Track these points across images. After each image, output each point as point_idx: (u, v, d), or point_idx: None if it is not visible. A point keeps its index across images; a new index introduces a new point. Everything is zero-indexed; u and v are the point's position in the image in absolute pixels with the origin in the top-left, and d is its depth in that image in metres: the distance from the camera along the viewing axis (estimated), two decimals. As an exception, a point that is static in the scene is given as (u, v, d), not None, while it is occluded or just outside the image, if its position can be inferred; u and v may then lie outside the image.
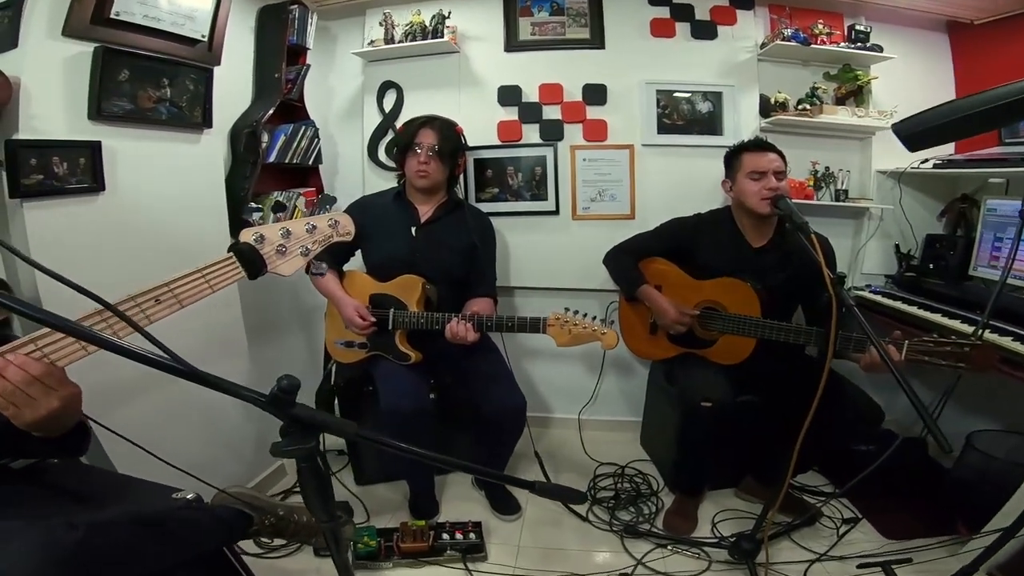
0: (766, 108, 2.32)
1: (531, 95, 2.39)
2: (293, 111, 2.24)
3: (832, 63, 2.33)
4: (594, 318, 1.72)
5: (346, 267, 2.01)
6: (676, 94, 2.35)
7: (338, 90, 2.56)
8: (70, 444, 0.93)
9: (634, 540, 1.82)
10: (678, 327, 1.87)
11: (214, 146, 1.87)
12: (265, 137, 2.01)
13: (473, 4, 2.37)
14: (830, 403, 1.41)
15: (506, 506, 1.98)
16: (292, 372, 0.66)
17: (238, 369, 1.97)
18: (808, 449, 1.41)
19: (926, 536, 1.71)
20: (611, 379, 2.56)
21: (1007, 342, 1.55)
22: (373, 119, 2.49)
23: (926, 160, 2.16)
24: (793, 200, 1.78)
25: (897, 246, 2.34)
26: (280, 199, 2.09)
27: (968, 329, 1.68)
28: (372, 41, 2.37)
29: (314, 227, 1.11)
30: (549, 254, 2.47)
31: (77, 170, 1.41)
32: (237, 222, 1.91)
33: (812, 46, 2.22)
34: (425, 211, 1.97)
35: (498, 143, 2.42)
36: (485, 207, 2.35)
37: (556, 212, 2.44)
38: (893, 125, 1.12)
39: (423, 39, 2.29)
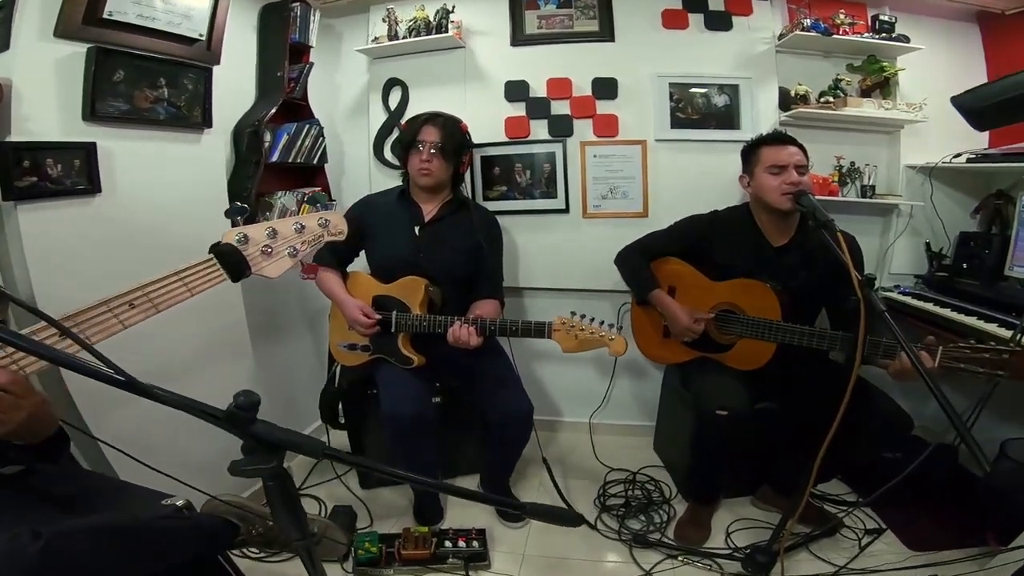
0: (786, 101, 2.23)
1: (539, 90, 2.32)
2: (297, 110, 2.21)
3: (855, 54, 2.22)
4: (602, 323, 1.65)
5: (350, 268, 1.98)
6: (690, 88, 2.26)
7: (344, 88, 2.53)
8: (48, 451, 0.91)
9: (643, 550, 1.76)
10: (690, 335, 1.80)
11: (215, 146, 1.84)
12: (268, 136, 1.99)
13: (478, -2, 2.32)
14: (857, 411, 1.33)
15: (512, 513, 1.92)
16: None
17: (242, 372, 1.94)
18: (832, 459, 1.33)
19: (952, 547, 1.63)
20: (624, 382, 2.49)
21: (1050, 347, 1.44)
22: (379, 117, 2.45)
23: (959, 154, 2.06)
24: (816, 197, 1.69)
25: (928, 244, 2.23)
26: (283, 200, 2.07)
27: (1005, 333, 1.57)
28: (376, 38, 2.33)
29: (303, 226, 1.07)
30: (559, 254, 2.40)
31: (72, 172, 1.39)
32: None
33: (834, 36, 2.12)
34: (429, 210, 1.92)
35: (506, 140, 2.36)
36: (493, 205, 2.31)
37: (566, 210, 2.37)
38: (953, 98, 1.00)
39: (427, 35, 2.25)
